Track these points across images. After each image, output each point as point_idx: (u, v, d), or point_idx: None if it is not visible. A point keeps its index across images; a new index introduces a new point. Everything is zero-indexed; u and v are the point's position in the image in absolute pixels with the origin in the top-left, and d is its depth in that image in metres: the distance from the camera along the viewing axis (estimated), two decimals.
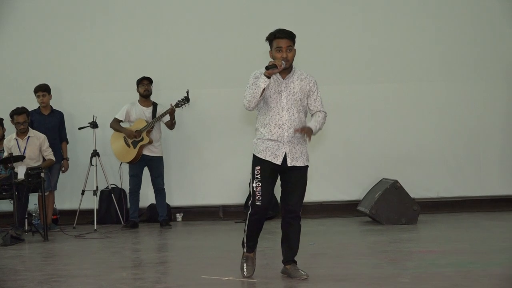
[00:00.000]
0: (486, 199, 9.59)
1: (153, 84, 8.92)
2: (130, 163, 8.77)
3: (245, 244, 5.28)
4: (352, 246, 6.82)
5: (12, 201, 7.79)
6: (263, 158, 5.07)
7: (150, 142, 8.67)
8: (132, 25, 9.61)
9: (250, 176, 5.24)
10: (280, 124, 5.05)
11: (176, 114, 8.75)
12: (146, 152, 8.71)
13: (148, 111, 8.80)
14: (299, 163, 5.09)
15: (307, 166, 5.16)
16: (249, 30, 9.32)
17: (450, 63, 9.56)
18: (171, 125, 8.79)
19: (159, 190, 8.80)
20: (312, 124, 5.12)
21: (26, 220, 8.24)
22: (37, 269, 5.97)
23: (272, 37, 5.08)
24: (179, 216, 9.47)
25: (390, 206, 8.31)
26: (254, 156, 5.13)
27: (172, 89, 9.11)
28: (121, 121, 8.82)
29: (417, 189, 9.03)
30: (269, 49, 5.13)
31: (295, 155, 5.08)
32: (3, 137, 8.67)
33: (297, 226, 5.16)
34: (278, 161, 5.04)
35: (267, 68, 4.94)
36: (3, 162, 7.92)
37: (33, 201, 8.50)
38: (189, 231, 8.57)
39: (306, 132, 5.05)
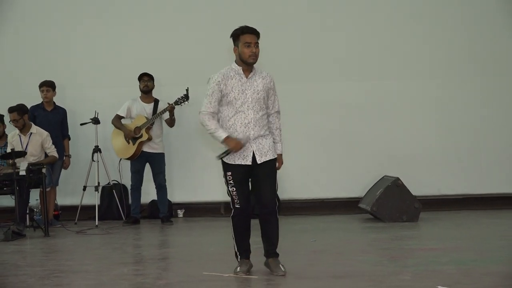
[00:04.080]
0: (488, 196, 9.59)
1: (154, 80, 8.91)
2: (129, 159, 8.77)
3: (237, 253, 5.26)
4: (353, 243, 6.82)
5: (13, 197, 7.80)
6: (233, 163, 5.12)
7: (150, 139, 8.66)
8: (134, 21, 9.63)
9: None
10: (246, 123, 5.10)
11: (177, 110, 8.74)
12: (147, 148, 8.71)
13: (149, 107, 8.80)
14: (268, 157, 5.14)
15: (275, 159, 5.20)
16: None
17: (452, 61, 9.56)
18: (170, 122, 8.79)
19: (161, 187, 8.79)
20: (279, 148, 5.25)
21: (27, 215, 8.25)
22: (38, 265, 5.98)
23: (240, 33, 5.12)
24: (180, 212, 9.49)
25: (392, 204, 8.31)
26: (223, 161, 5.18)
27: (173, 86, 9.11)
28: (123, 117, 8.82)
29: (418, 187, 9.00)
30: (234, 46, 5.16)
31: (263, 151, 5.13)
32: (3, 134, 8.69)
33: (274, 221, 5.17)
34: (249, 162, 5.10)
35: (219, 157, 5.12)
36: (5, 157, 7.94)
37: (35, 196, 8.51)
38: (190, 227, 8.58)
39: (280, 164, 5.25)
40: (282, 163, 5.28)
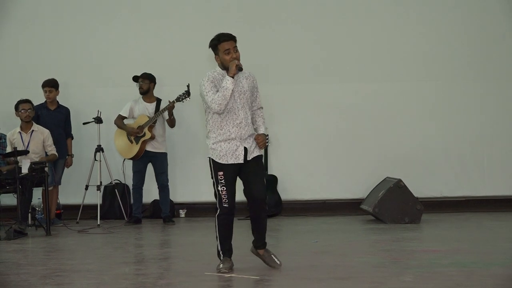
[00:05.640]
0: (490, 199, 9.58)
1: (155, 80, 8.89)
2: (133, 159, 8.76)
3: (220, 252, 5.36)
4: (355, 245, 6.81)
5: (16, 195, 7.81)
6: (226, 163, 5.24)
7: (153, 138, 8.65)
8: (136, 21, 9.64)
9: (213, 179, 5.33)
10: (237, 123, 5.25)
11: (180, 110, 8.73)
12: (150, 148, 8.70)
13: (151, 107, 8.80)
14: (255, 154, 5.33)
15: (261, 155, 5.41)
16: (251, 26, 9.37)
17: (455, 63, 9.55)
18: (170, 122, 8.79)
19: (163, 187, 8.79)
20: (263, 129, 5.40)
21: (29, 214, 8.25)
22: (40, 264, 5.98)
23: (217, 42, 5.26)
24: (182, 212, 9.48)
25: (394, 205, 8.30)
26: (214, 161, 5.27)
27: (175, 85, 9.09)
28: (125, 117, 8.82)
29: (420, 189, 9.00)
30: (214, 55, 5.30)
31: (251, 148, 5.32)
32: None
33: (263, 214, 5.41)
34: (241, 160, 5.26)
35: (240, 69, 5.20)
36: (7, 156, 7.94)
37: (37, 195, 8.52)
38: (192, 227, 8.58)
39: (262, 140, 5.34)
40: (264, 140, 5.36)
